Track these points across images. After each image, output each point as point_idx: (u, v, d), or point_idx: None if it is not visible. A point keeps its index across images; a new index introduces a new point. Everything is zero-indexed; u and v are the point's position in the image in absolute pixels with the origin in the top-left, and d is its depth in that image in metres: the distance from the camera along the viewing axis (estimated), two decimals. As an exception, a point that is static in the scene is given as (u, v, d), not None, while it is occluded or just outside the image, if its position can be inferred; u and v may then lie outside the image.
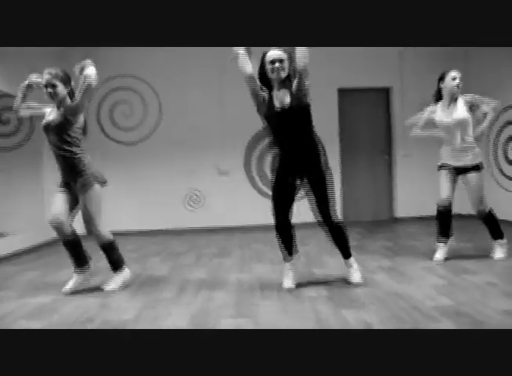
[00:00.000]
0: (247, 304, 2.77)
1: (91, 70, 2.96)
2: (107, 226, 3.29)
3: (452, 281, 3.07)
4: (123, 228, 5.83)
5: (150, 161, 6.22)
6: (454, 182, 3.63)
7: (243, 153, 6.30)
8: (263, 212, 6.24)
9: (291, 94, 2.84)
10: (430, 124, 3.68)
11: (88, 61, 3.01)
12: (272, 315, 2.54)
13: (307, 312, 2.55)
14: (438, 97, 3.63)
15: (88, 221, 3.14)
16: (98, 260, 3.58)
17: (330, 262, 3.80)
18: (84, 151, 3.14)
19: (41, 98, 3.23)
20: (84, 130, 3.23)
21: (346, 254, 3.13)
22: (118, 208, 5.93)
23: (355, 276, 3.12)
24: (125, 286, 3.32)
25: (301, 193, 3.10)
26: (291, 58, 2.82)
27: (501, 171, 5.82)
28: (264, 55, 2.86)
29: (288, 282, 3.09)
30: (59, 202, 3.15)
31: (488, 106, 3.51)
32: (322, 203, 2.97)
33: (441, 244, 3.68)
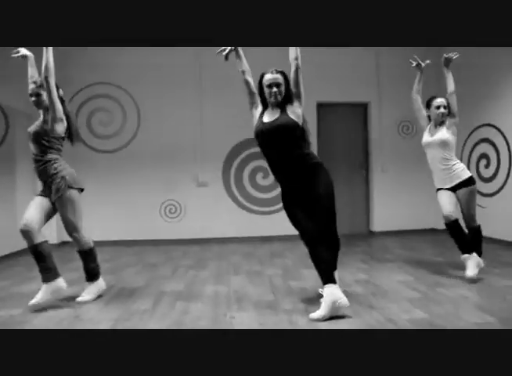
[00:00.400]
0: (224, 316, 2.75)
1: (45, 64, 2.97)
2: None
3: (427, 294, 3.12)
4: (97, 238, 5.68)
5: (127, 169, 6.14)
6: (453, 197, 3.64)
7: (221, 164, 6.30)
8: (240, 224, 6.31)
9: (282, 113, 2.85)
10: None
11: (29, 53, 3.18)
12: (249, 327, 2.53)
13: (283, 324, 2.56)
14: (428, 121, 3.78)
15: (66, 226, 3.13)
16: (70, 270, 3.50)
17: (306, 274, 3.82)
18: (58, 157, 3.13)
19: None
20: (71, 138, 3.27)
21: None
22: (93, 217, 5.80)
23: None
24: (99, 297, 3.25)
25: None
26: (287, 80, 2.86)
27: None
28: (262, 76, 2.89)
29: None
30: (33, 208, 3.07)
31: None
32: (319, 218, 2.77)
33: (466, 255, 3.56)
